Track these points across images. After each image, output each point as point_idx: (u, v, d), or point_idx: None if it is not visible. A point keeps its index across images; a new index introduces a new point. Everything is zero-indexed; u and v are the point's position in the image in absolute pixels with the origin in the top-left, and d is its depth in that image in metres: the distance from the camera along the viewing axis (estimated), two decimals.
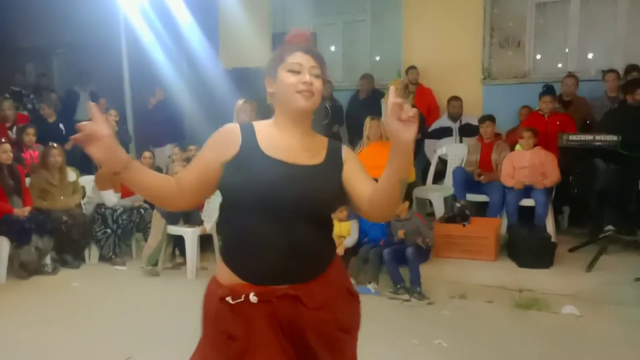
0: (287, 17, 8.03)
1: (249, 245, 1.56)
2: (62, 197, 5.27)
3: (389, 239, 4.70)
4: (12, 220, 4.76)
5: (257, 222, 1.55)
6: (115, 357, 3.30)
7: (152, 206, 5.24)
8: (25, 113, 7.69)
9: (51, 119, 6.73)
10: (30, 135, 5.79)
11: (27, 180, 5.27)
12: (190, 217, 5.09)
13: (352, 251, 4.77)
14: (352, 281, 4.32)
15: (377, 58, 7.67)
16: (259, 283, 1.56)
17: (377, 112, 5.78)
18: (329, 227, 1.72)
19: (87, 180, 5.68)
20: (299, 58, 1.61)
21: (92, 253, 5.40)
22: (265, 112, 5.22)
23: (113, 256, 5.31)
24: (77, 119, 7.94)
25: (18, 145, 5.71)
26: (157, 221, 5.01)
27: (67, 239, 5.16)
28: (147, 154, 5.86)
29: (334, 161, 1.67)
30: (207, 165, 1.60)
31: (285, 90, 1.60)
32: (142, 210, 5.48)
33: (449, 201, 5.82)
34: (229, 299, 1.55)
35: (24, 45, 9.15)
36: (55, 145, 5.38)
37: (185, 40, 7.73)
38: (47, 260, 5.03)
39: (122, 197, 5.47)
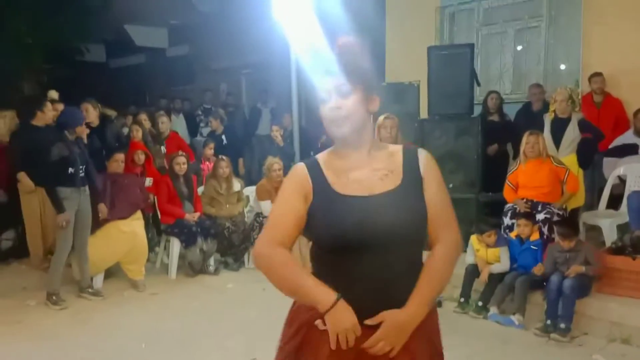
0: (454, 28, 7.80)
1: (339, 284, 1.47)
2: (227, 205, 5.82)
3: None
4: (182, 223, 5.40)
5: (342, 262, 1.50)
6: (243, 356, 3.53)
7: None
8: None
9: (219, 131, 7.41)
10: (209, 148, 6.52)
11: (200, 189, 5.93)
12: None
13: (498, 278, 4.44)
14: (495, 310, 4.07)
15: (552, 67, 7.02)
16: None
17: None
18: (420, 258, 1.58)
19: (250, 191, 6.17)
20: (324, 83, 1.53)
21: (251, 258, 5.85)
22: (407, 128, 5.16)
23: None
24: (259, 134, 8.70)
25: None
26: None
27: (229, 244, 5.67)
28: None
29: (412, 178, 1.56)
30: (299, 213, 1.53)
31: (324, 123, 1.56)
32: None
33: (624, 230, 5.06)
34: (318, 322, 1.49)
35: (217, 67, 10.32)
36: (224, 157, 5.96)
37: None
38: (211, 261, 5.59)
39: None
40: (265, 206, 5.79)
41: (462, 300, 4.52)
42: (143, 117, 6.44)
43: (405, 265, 1.51)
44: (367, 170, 1.56)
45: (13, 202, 5.65)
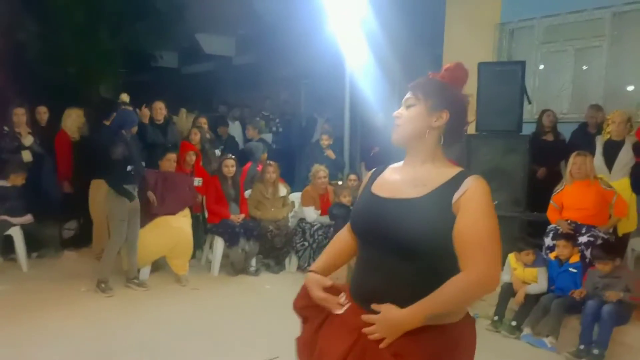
0: (513, 45, 7.68)
1: (356, 266, 1.75)
2: (272, 209, 6.00)
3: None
4: (227, 224, 5.63)
5: (362, 249, 1.75)
6: (270, 354, 3.66)
7: None
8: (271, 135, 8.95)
9: (255, 139, 7.60)
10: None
11: (248, 192, 6.15)
12: None
13: (534, 299, 4.35)
14: (528, 331, 4.00)
15: (612, 88, 6.77)
16: (355, 300, 1.70)
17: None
18: (432, 268, 1.57)
19: (296, 197, 6.34)
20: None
21: (292, 262, 6.00)
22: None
23: (307, 267, 5.82)
24: (314, 142, 8.87)
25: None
26: None
27: (271, 247, 5.85)
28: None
29: (442, 195, 1.58)
30: None
31: None
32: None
33: None
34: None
35: (279, 76, 10.62)
36: (271, 163, 6.16)
37: (409, 70, 8.01)
38: (253, 262, 5.78)
39: (322, 214, 5.97)
40: (308, 212, 5.94)
41: (495, 318, 4.46)
42: (203, 120, 6.77)
43: (406, 269, 1.57)
44: (404, 178, 1.67)
45: (77, 193, 6.09)
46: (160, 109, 6.23)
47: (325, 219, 5.94)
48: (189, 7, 10.23)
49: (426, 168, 1.66)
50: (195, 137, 6.20)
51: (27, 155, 5.97)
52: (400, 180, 1.67)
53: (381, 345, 1.55)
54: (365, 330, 1.58)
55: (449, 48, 8.19)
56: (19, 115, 5.99)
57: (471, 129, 5.98)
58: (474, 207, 1.55)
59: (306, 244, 5.83)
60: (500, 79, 5.64)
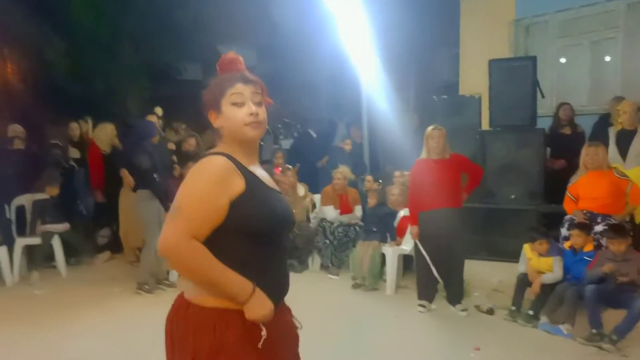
0: (529, 41, 7.74)
1: (267, 265, 1.64)
2: (292, 210, 6.19)
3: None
4: None
5: (270, 245, 1.65)
6: None
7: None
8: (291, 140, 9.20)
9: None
10: (279, 158, 6.99)
11: None
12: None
13: (550, 288, 4.44)
14: (545, 319, 4.10)
15: (629, 78, 6.77)
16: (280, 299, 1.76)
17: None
18: None
19: (317, 198, 6.53)
20: (240, 89, 1.65)
21: (315, 261, 6.19)
22: (468, 140, 5.34)
23: (329, 265, 5.99)
24: (335, 145, 9.06)
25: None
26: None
27: (294, 247, 6.04)
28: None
29: None
30: (220, 210, 1.55)
31: (233, 124, 1.65)
32: (357, 228, 6.05)
33: None
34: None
35: (299, 82, 10.85)
36: (289, 167, 6.39)
37: (425, 70, 8.16)
38: None
39: (341, 213, 6.15)
40: (328, 211, 6.12)
41: (513, 308, 4.56)
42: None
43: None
44: (263, 172, 1.79)
45: (109, 203, 6.42)
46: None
47: (345, 218, 6.11)
48: (210, 19, 10.56)
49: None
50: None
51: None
52: (265, 173, 1.78)
53: None
54: None
55: (465, 46, 8.30)
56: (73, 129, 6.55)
57: (485, 125, 6.10)
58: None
59: (327, 242, 6.01)
60: (512, 75, 5.76)
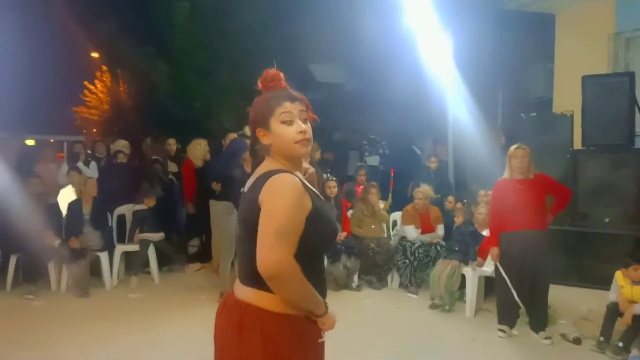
0: (629, 55, 7.28)
1: (322, 281, 1.78)
2: (372, 226, 6.24)
3: None
4: None
5: (322, 259, 1.84)
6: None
7: None
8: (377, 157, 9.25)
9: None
10: (361, 175, 7.06)
11: (350, 212, 6.46)
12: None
13: None
14: (637, 352, 3.86)
15: None
16: None
17: None
18: None
19: (398, 216, 6.51)
20: (288, 107, 1.72)
21: (394, 279, 6.16)
22: (558, 159, 5.17)
23: (408, 284, 5.94)
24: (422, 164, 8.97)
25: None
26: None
27: (373, 264, 6.07)
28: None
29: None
30: (301, 225, 1.62)
31: (284, 142, 1.72)
32: (438, 247, 5.96)
33: None
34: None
35: (387, 100, 10.89)
36: (374, 183, 6.43)
37: (516, 86, 7.90)
38: (355, 278, 6.03)
39: (422, 232, 6.09)
40: (409, 231, 6.09)
41: (601, 339, 4.29)
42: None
43: None
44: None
45: (200, 214, 6.79)
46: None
47: (426, 237, 6.05)
48: (300, 40, 10.94)
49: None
50: None
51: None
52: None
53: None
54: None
55: (561, 61, 7.95)
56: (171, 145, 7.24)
57: (577, 144, 5.80)
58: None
59: (407, 261, 5.97)
60: (607, 92, 5.47)
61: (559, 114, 5.92)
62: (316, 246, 1.70)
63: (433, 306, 5.37)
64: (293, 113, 1.72)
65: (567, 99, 7.08)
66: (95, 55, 16.91)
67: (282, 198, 1.61)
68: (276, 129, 1.73)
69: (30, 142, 11.92)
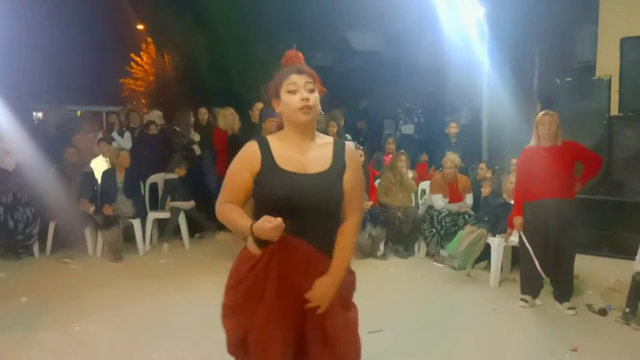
0: None
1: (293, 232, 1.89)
2: (400, 195, 6.20)
3: None
4: None
5: (291, 221, 1.87)
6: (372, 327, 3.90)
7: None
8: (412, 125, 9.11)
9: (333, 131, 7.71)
10: (390, 144, 6.99)
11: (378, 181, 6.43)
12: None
13: None
14: None
15: None
16: None
17: None
18: (336, 218, 2.00)
19: (426, 185, 6.44)
20: (294, 79, 1.93)
21: (421, 248, 6.13)
22: (593, 126, 5.04)
23: (435, 254, 5.90)
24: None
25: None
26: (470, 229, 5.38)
27: (399, 232, 6.05)
28: None
29: (337, 166, 1.97)
30: (245, 183, 1.94)
31: (288, 109, 1.94)
32: (466, 216, 5.87)
33: None
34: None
35: (424, 67, 10.65)
36: (403, 151, 6.37)
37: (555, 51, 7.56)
38: (381, 247, 6.03)
39: (450, 201, 6.00)
40: (436, 200, 6.02)
41: (627, 310, 4.16)
42: (339, 114, 7.23)
43: (321, 222, 1.93)
44: (305, 155, 1.97)
45: None
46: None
47: (454, 206, 5.97)
48: (338, 8, 10.78)
49: (316, 144, 1.99)
50: (333, 130, 6.63)
51: (197, 149, 7.22)
52: (300, 157, 1.95)
53: (320, 310, 1.90)
54: (309, 306, 1.90)
55: (605, 24, 7.52)
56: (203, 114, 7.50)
57: (613, 110, 5.54)
58: (355, 164, 2.02)
59: (434, 230, 5.92)
60: None
61: (596, 78, 5.65)
62: (263, 202, 1.94)
63: (441, 261, 5.73)
64: (298, 84, 1.92)
65: (611, 63, 6.73)
66: (140, 27, 17.23)
67: (233, 160, 1.98)
68: (284, 98, 1.95)
69: (77, 114, 12.40)
